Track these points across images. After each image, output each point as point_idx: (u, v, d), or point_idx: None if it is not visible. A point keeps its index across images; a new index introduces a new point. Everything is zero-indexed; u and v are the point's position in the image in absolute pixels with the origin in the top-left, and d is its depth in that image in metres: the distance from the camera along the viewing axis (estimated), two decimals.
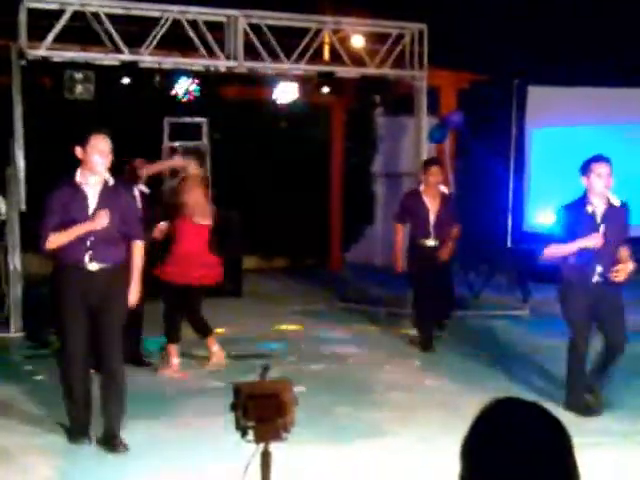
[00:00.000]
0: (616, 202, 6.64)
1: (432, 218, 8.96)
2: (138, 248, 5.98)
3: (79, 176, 5.76)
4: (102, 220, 5.64)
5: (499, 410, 1.91)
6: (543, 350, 9.05)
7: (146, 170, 8.26)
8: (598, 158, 6.57)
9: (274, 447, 3.45)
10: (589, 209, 6.57)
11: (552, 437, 1.86)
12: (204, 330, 8.17)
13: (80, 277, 5.71)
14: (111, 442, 5.78)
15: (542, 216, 13.70)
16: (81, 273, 5.71)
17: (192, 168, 8.24)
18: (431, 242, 8.96)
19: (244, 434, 3.44)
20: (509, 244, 13.13)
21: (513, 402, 1.94)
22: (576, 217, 6.58)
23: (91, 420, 5.94)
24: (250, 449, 3.40)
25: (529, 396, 6.99)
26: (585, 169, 6.57)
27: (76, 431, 5.90)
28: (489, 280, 12.50)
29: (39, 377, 7.72)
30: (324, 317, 10.80)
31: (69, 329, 5.80)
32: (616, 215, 6.62)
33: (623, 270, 6.52)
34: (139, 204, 7.54)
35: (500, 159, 13.29)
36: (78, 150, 5.72)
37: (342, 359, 8.64)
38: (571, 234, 6.56)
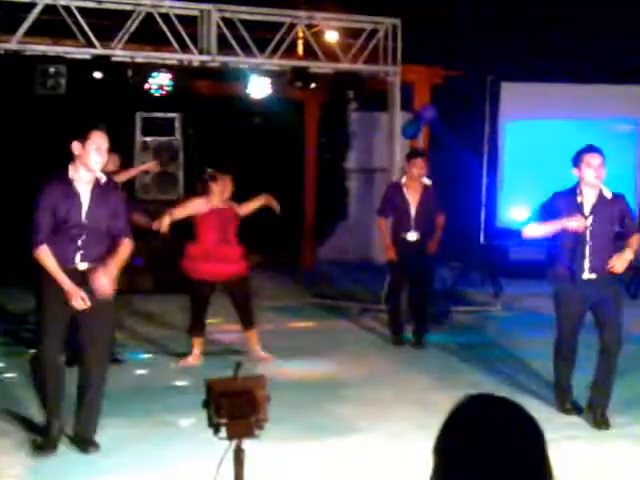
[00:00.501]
0: (608, 194, 6.42)
1: (413, 212, 8.95)
2: (126, 244, 5.76)
3: (71, 172, 5.61)
4: (78, 303, 5.52)
5: (470, 407, 1.90)
6: (515, 344, 9.10)
7: (120, 177, 8.18)
8: (589, 149, 6.40)
9: (247, 444, 3.44)
10: (578, 199, 6.39)
11: (524, 432, 1.86)
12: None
13: (71, 276, 5.56)
14: (84, 444, 5.70)
15: (515, 212, 13.78)
16: (70, 273, 5.56)
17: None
18: (412, 236, 8.94)
19: (217, 431, 3.43)
20: (482, 240, 13.19)
21: (484, 398, 1.93)
22: (564, 205, 6.40)
23: (61, 430, 5.80)
24: (224, 446, 3.38)
25: (502, 390, 7.03)
26: (576, 159, 6.40)
27: (46, 441, 5.73)
28: (462, 275, 12.54)
29: (10, 374, 7.64)
30: (297, 313, 10.78)
31: (50, 330, 5.65)
32: (608, 207, 6.39)
33: (619, 259, 6.24)
34: None
35: (473, 155, 13.34)
36: (76, 146, 5.55)
37: (315, 354, 8.63)
38: (558, 220, 6.37)
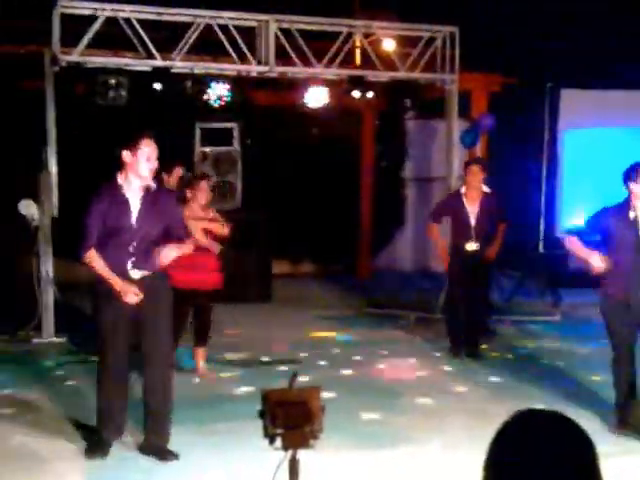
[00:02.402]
0: None
1: (472, 221, 8.87)
2: (187, 243, 5.85)
3: (121, 180, 5.68)
4: (132, 299, 5.61)
5: (521, 422, 1.89)
6: (575, 356, 8.99)
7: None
8: None
9: (302, 454, 3.44)
10: (631, 215, 6.21)
11: (576, 448, 1.85)
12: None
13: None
14: (162, 453, 5.75)
15: (575, 221, 13.62)
16: (124, 280, 5.62)
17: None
18: (472, 246, 8.84)
19: (272, 441, 3.43)
20: (541, 249, 13.05)
21: (534, 413, 1.92)
22: (614, 221, 6.25)
23: (114, 439, 5.86)
24: (279, 455, 3.40)
25: (560, 402, 6.95)
26: (632, 173, 6.21)
27: (96, 446, 5.80)
28: (521, 285, 12.41)
29: (70, 382, 7.77)
30: (353, 322, 10.78)
31: (109, 342, 5.69)
32: None
33: None
34: None
35: (532, 163, 13.22)
36: (126, 154, 5.62)
37: (371, 364, 8.62)
38: (608, 236, 6.27)
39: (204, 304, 7.95)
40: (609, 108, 13.31)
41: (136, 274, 5.66)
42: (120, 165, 5.70)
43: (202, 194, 7.91)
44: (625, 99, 13.44)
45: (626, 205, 6.25)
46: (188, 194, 7.88)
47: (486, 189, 9.02)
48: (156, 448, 5.77)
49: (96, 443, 5.81)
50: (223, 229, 7.93)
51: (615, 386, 6.51)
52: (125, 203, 5.64)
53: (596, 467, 1.84)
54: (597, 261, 6.25)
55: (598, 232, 6.35)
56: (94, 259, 5.63)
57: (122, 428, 5.90)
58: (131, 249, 5.64)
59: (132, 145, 5.62)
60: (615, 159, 13.31)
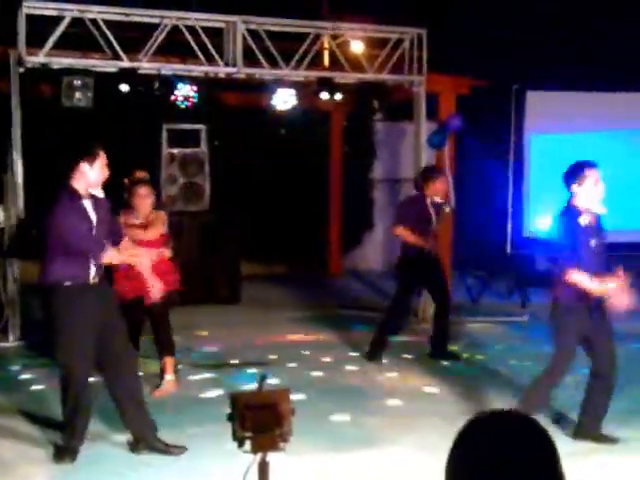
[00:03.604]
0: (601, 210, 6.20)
1: (434, 223, 8.95)
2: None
3: (79, 188, 5.70)
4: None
5: (479, 426, 1.89)
6: (543, 356, 9.00)
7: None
8: (591, 163, 6.24)
9: (272, 456, 3.43)
10: (582, 220, 6.08)
11: (534, 446, 1.84)
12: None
13: (86, 292, 5.65)
14: (164, 446, 5.86)
15: (541, 222, 13.70)
16: (86, 288, 5.66)
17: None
18: (429, 249, 8.91)
19: (241, 444, 3.41)
20: (508, 249, 13.11)
21: (494, 415, 1.92)
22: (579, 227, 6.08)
23: (80, 444, 5.84)
24: (248, 458, 3.38)
25: None
26: (573, 176, 6.16)
27: (65, 450, 5.79)
28: (488, 286, 12.48)
29: (38, 386, 7.69)
30: (323, 324, 10.76)
31: (80, 352, 5.66)
32: (600, 224, 6.21)
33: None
34: None
35: (499, 164, 13.28)
36: (83, 164, 5.67)
37: (341, 366, 8.62)
38: (574, 242, 6.03)
39: (157, 310, 7.45)
40: (575, 110, 13.39)
41: (96, 279, 5.75)
42: (75, 173, 5.70)
43: (140, 200, 7.50)
44: (592, 100, 13.53)
45: (573, 210, 6.10)
46: (129, 200, 7.57)
47: (447, 209, 9.23)
48: (152, 443, 5.88)
49: (64, 448, 5.79)
50: (165, 254, 7.38)
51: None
52: (85, 212, 5.69)
53: (558, 467, 1.84)
54: (609, 285, 5.98)
55: (573, 237, 6.05)
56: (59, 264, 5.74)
57: (85, 433, 5.87)
58: (91, 255, 5.70)
59: (90, 155, 5.68)
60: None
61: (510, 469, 1.79)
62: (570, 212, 6.11)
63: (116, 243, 5.96)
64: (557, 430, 6.34)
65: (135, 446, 5.90)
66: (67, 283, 5.63)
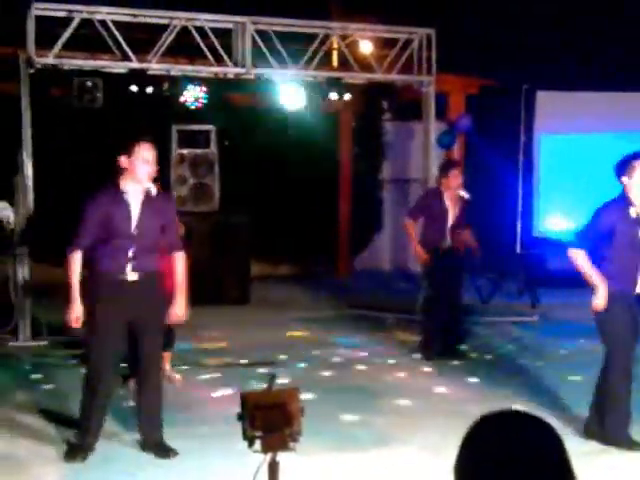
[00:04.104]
0: None
1: (450, 220, 8.89)
2: (180, 259, 5.88)
3: (122, 185, 5.69)
4: (70, 319, 5.65)
5: (487, 426, 1.89)
6: (553, 356, 9.02)
7: None
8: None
9: (282, 456, 3.43)
10: (632, 211, 5.97)
11: (545, 447, 1.84)
12: None
13: (118, 287, 5.65)
14: (163, 450, 5.83)
15: (551, 222, 13.68)
16: (120, 282, 5.65)
17: None
18: (446, 243, 8.87)
19: (251, 444, 3.42)
20: (518, 249, 13.10)
21: (502, 415, 1.92)
22: (619, 217, 5.98)
23: (94, 443, 5.84)
24: (259, 458, 3.38)
25: (540, 404, 6.97)
26: (622, 169, 6.04)
27: (77, 450, 5.79)
28: (498, 286, 12.46)
29: (48, 386, 7.71)
30: (333, 324, 10.77)
31: (100, 341, 5.72)
32: None
33: None
34: None
35: (509, 164, 13.27)
36: (123, 159, 5.66)
37: (351, 366, 8.62)
38: (610, 233, 5.98)
39: None
40: (585, 110, 13.37)
41: (133, 276, 5.69)
42: (119, 170, 5.72)
43: None
44: (601, 100, 13.50)
45: (623, 201, 6.03)
46: None
47: (465, 195, 8.96)
48: (155, 445, 5.86)
49: (77, 447, 5.80)
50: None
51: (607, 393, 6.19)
52: (126, 208, 5.66)
53: (567, 466, 1.83)
54: (601, 297, 5.99)
55: (600, 230, 6.03)
56: (74, 262, 5.66)
57: (99, 432, 5.87)
58: (131, 253, 5.66)
59: (129, 149, 5.65)
60: (591, 162, 13.43)
61: (519, 468, 1.79)
62: (620, 202, 6.04)
63: (172, 246, 5.86)
64: (568, 429, 6.33)
65: (145, 445, 5.92)
66: (98, 274, 5.69)
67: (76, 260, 5.66)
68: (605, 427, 6.13)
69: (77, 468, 5.63)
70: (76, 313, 5.65)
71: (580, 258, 6.07)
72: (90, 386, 5.81)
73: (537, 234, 13.66)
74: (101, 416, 5.85)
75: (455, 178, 8.86)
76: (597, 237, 6.06)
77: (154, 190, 5.71)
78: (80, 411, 5.89)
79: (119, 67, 9.88)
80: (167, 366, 7.65)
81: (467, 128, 11.93)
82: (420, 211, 9.10)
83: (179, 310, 5.86)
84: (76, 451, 5.76)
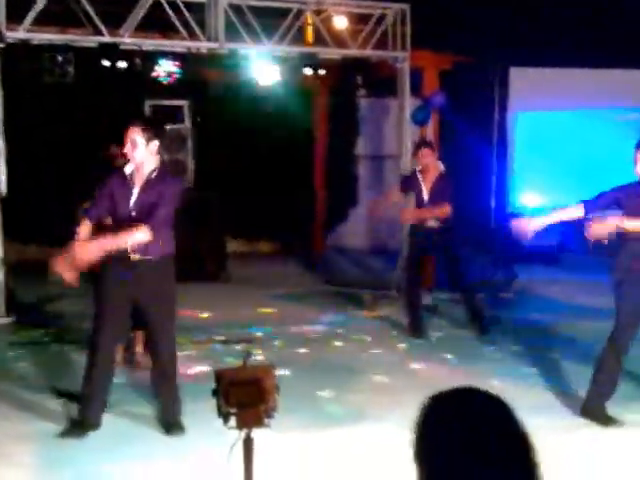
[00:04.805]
0: None
1: (426, 197, 8.88)
2: (138, 230, 5.63)
3: (129, 169, 5.83)
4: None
5: (437, 406, 1.88)
6: (528, 332, 9.06)
7: None
8: None
9: (257, 433, 3.42)
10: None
11: (500, 422, 1.83)
12: None
13: (123, 267, 5.72)
14: (167, 426, 5.92)
15: (526, 198, 13.73)
16: (124, 263, 5.71)
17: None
18: (431, 222, 8.85)
19: (226, 420, 3.41)
20: (493, 225, 13.12)
21: (449, 394, 1.91)
22: (628, 192, 5.98)
23: (96, 421, 5.85)
24: (234, 435, 3.37)
25: (515, 380, 7.01)
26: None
27: (76, 426, 5.83)
28: (473, 262, 12.48)
29: (23, 364, 7.66)
30: (309, 300, 10.76)
31: (102, 319, 5.81)
32: None
33: None
34: None
35: (484, 141, 13.26)
36: (120, 148, 5.94)
37: (327, 342, 8.62)
38: (618, 207, 5.99)
39: None
40: (558, 87, 13.39)
41: (136, 257, 5.73)
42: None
43: None
44: (574, 77, 13.53)
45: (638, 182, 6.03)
46: None
47: (440, 167, 8.99)
48: (164, 422, 5.97)
49: (76, 423, 5.85)
50: None
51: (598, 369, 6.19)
52: (127, 189, 5.79)
53: (524, 439, 1.82)
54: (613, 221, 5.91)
55: (606, 202, 6.07)
56: (83, 226, 5.78)
57: (102, 410, 5.90)
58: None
59: (121, 139, 5.83)
60: (564, 140, 13.47)
61: (474, 444, 1.77)
62: (634, 183, 6.05)
63: (145, 218, 5.71)
64: (544, 403, 6.38)
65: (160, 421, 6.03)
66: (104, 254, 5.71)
67: (83, 226, 5.78)
68: (586, 397, 6.20)
69: (50, 446, 5.60)
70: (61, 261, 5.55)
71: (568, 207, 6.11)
72: (92, 366, 5.84)
73: (512, 210, 13.70)
74: (102, 394, 5.88)
75: (424, 157, 8.88)
76: (603, 206, 6.08)
77: (155, 172, 5.77)
78: (82, 389, 5.92)
79: (90, 41, 9.75)
80: (138, 348, 7.56)
81: (441, 104, 11.88)
82: (404, 186, 9.20)
83: (85, 248, 5.59)
84: (75, 427, 5.81)
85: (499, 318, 9.23)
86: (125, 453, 5.49)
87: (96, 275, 5.97)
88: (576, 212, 6.14)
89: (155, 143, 5.76)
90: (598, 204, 6.12)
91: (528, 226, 6.15)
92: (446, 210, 8.78)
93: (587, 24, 13.74)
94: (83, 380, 5.89)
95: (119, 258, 5.69)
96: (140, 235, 5.63)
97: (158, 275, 5.80)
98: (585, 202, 6.13)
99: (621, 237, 6.00)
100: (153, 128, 5.84)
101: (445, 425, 1.83)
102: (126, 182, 5.79)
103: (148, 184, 5.76)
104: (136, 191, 5.76)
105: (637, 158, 5.99)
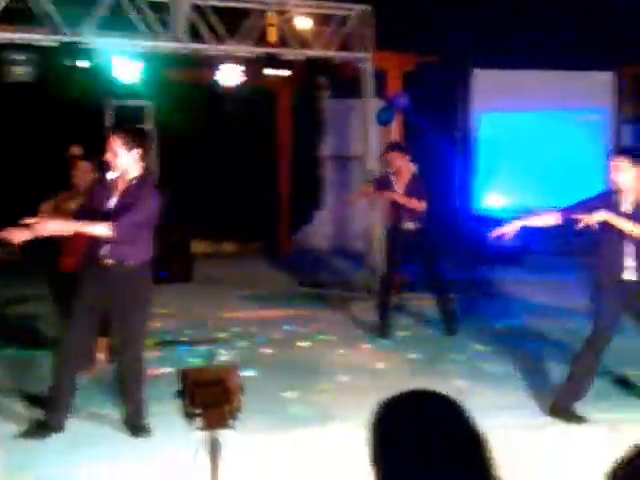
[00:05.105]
0: None
1: (399, 199, 8.89)
2: (101, 226, 5.59)
3: (113, 174, 5.84)
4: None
5: (390, 409, 1.88)
6: (492, 332, 9.10)
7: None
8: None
9: (223, 434, 3.40)
10: (616, 195, 6.01)
11: (454, 423, 1.83)
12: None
13: (96, 271, 5.74)
14: (133, 429, 5.89)
15: (490, 199, 13.82)
16: (97, 267, 5.73)
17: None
18: (409, 225, 8.84)
19: (191, 421, 3.39)
20: (457, 227, 13.20)
21: (402, 397, 1.90)
22: (602, 201, 6.05)
23: (61, 423, 5.82)
24: (199, 437, 3.35)
25: (479, 379, 7.05)
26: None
27: (41, 427, 5.80)
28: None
29: None
30: (275, 301, 10.74)
31: (73, 319, 5.82)
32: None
33: None
34: None
35: (447, 141, 13.34)
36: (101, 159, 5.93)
37: (293, 343, 8.60)
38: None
39: None
40: (520, 88, 13.50)
41: (109, 261, 5.73)
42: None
43: (79, 177, 7.21)
44: (536, 79, 13.65)
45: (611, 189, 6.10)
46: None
47: (412, 168, 9.03)
48: (130, 424, 5.94)
49: (41, 424, 5.81)
50: None
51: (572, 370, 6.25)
52: (107, 194, 5.80)
53: (479, 440, 1.81)
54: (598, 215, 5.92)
55: (584, 211, 6.04)
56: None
57: (67, 412, 5.87)
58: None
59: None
60: (528, 142, 13.59)
61: (428, 446, 1.77)
62: (609, 190, 6.15)
63: (114, 217, 5.72)
64: (509, 402, 6.41)
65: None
66: (84, 257, 5.88)
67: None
68: (558, 395, 6.27)
69: (9, 447, 5.52)
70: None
71: (558, 216, 6.19)
72: (58, 365, 5.84)
73: (476, 211, 13.78)
74: (68, 396, 5.85)
75: (394, 160, 8.91)
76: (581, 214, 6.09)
77: (134, 180, 5.78)
78: (50, 390, 5.88)
79: (51, 41, 9.64)
80: (102, 355, 7.44)
81: (405, 105, 11.92)
82: (378, 187, 9.18)
83: (46, 222, 5.60)
84: (39, 428, 5.77)
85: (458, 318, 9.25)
86: (91, 455, 5.45)
87: (63, 278, 5.95)
88: (553, 220, 6.24)
89: (137, 151, 5.78)
90: (576, 213, 6.14)
91: (506, 229, 6.24)
92: (422, 205, 8.81)
93: (549, 27, 13.84)
94: (53, 384, 5.84)
95: (93, 262, 5.72)
96: (100, 229, 5.60)
97: (132, 281, 5.78)
98: (562, 210, 6.22)
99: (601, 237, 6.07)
100: (134, 136, 5.85)
101: (398, 428, 1.83)
102: (107, 188, 5.82)
103: (127, 190, 5.78)
104: (115, 198, 5.78)
105: (611, 167, 6.02)
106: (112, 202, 5.78)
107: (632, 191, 5.97)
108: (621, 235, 5.95)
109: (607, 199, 6.08)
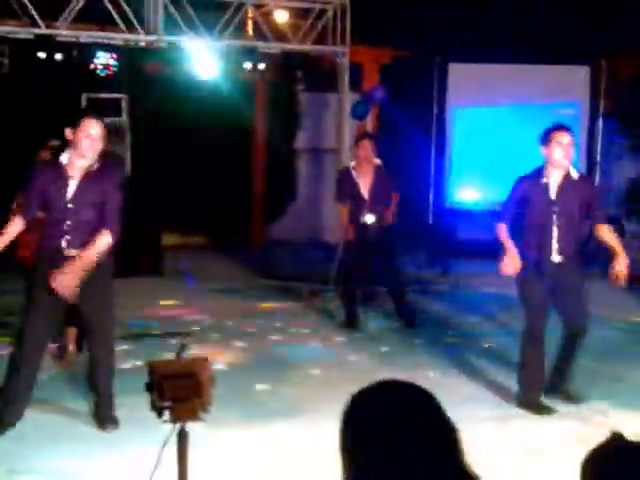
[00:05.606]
0: (575, 175, 6.20)
1: (366, 195, 8.89)
2: (103, 237, 5.60)
3: (66, 158, 5.62)
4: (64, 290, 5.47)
5: (361, 401, 1.93)
6: (463, 324, 9.19)
7: None
8: (559, 127, 6.19)
9: (192, 428, 3.42)
10: (543, 180, 6.17)
11: (422, 413, 1.87)
12: None
13: (55, 262, 5.53)
14: (101, 422, 5.87)
15: (464, 193, 13.89)
16: (56, 258, 5.56)
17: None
18: (370, 218, 8.86)
19: (160, 414, 3.39)
20: (430, 220, 13.26)
21: (372, 389, 1.94)
22: (529, 187, 6.21)
23: (16, 419, 5.75)
24: (169, 428, 3.37)
25: (451, 371, 7.13)
26: (545, 138, 6.17)
27: None
28: (408, 255, 12.59)
29: None
30: (246, 294, 10.76)
31: (32, 312, 5.66)
32: (575, 188, 6.17)
33: (623, 268, 6.07)
34: None
35: (422, 135, 13.39)
36: (68, 132, 5.57)
37: (264, 335, 8.63)
38: (523, 203, 6.22)
39: None
40: (495, 83, 13.56)
41: (71, 252, 5.60)
42: (65, 143, 5.67)
43: None
44: (511, 73, 13.70)
45: (539, 171, 6.23)
46: None
47: (377, 161, 9.02)
48: (98, 417, 5.92)
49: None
50: None
51: (521, 361, 6.38)
52: (64, 181, 5.61)
53: (449, 430, 1.86)
54: (508, 264, 6.15)
55: (517, 201, 6.27)
56: (10, 226, 5.64)
57: (23, 409, 5.79)
58: (65, 227, 5.60)
59: (75, 124, 5.57)
60: (502, 136, 13.65)
61: (399, 436, 1.81)
62: (534, 173, 6.31)
63: (101, 222, 5.63)
64: (479, 394, 6.49)
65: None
66: (38, 248, 5.76)
67: (13, 224, 5.63)
68: (518, 388, 6.36)
69: None
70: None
71: (500, 231, 6.28)
72: (16, 359, 5.71)
73: (449, 205, 13.85)
74: (24, 393, 5.75)
75: (364, 149, 8.88)
76: (515, 207, 6.30)
77: (96, 165, 5.62)
78: (4, 386, 5.78)
79: (26, 33, 9.62)
80: (71, 346, 7.45)
81: (381, 99, 11.98)
82: (340, 192, 9.09)
83: (64, 279, 5.47)
84: None
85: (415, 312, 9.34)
86: (61, 450, 5.44)
87: (28, 270, 5.86)
88: (506, 232, 6.27)
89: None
90: (512, 211, 6.31)
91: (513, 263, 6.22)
92: (397, 197, 8.99)
93: (524, 21, 13.90)
94: (6, 375, 5.75)
95: (54, 253, 5.59)
96: (104, 242, 5.61)
97: (97, 270, 5.62)
98: (500, 218, 6.32)
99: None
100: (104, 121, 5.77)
101: (369, 419, 1.87)
102: (62, 174, 5.60)
103: (88, 177, 5.61)
104: (74, 182, 5.60)
105: (568, 142, 6.15)
106: (70, 189, 5.59)
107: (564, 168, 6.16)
108: (550, 219, 6.14)
109: (535, 183, 6.22)
